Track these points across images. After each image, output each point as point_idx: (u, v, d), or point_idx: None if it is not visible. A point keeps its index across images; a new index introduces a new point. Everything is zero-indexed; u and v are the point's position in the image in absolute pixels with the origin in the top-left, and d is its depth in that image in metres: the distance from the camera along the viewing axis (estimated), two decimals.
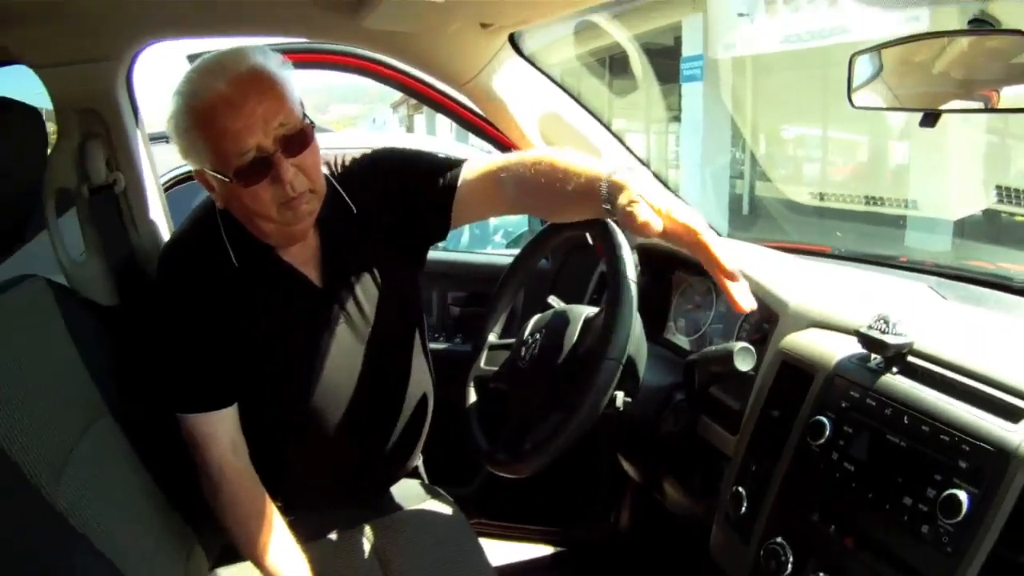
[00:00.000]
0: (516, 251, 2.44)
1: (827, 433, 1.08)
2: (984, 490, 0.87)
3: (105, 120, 1.53)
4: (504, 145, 1.97)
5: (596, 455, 2.07)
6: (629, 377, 1.25)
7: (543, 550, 2.38)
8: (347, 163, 1.48)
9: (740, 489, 1.23)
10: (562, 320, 1.39)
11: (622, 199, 1.15)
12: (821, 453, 1.08)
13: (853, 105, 1.21)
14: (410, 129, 18.30)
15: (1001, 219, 5.74)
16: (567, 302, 1.54)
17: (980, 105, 1.20)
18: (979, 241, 5.83)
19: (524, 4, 1.47)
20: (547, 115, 1.84)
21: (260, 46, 1.31)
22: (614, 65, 9.82)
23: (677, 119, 9.74)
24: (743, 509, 1.21)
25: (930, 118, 1.13)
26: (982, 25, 1.11)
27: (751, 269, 1.45)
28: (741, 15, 7.77)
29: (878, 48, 1.21)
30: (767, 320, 1.42)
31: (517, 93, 1.79)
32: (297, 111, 1.26)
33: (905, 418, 0.99)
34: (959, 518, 0.88)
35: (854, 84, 1.24)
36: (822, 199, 8.00)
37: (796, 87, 8.40)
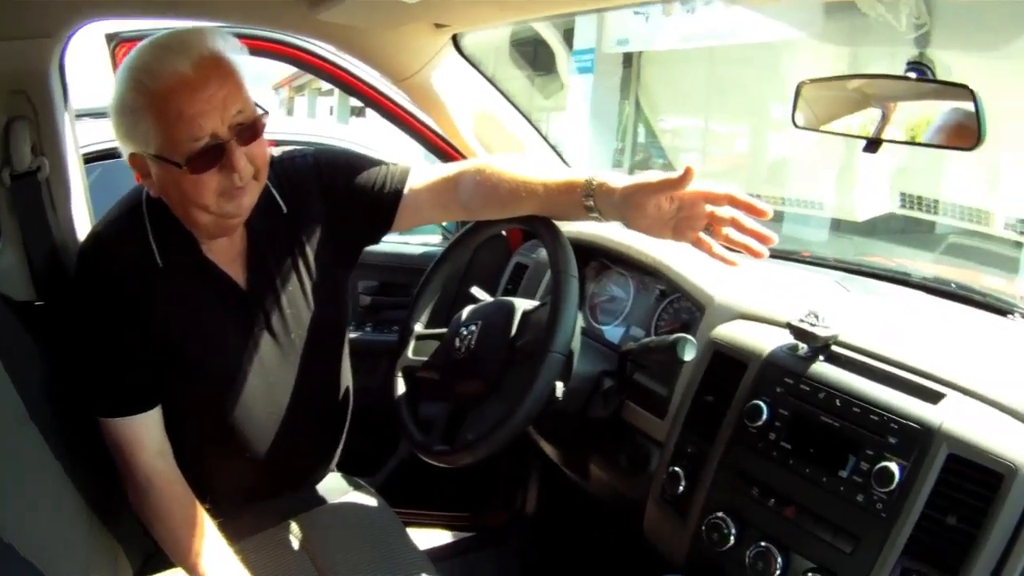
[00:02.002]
0: (423, 239, 2.44)
1: (764, 416, 1.16)
2: (913, 462, 0.99)
3: (33, 102, 1.41)
4: (431, 143, 1.99)
5: None
6: (566, 368, 1.28)
7: (452, 536, 2.36)
8: (282, 160, 1.42)
9: (677, 469, 1.28)
10: (500, 313, 1.41)
11: (622, 184, 1.21)
12: (759, 434, 1.16)
13: (796, 126, 1.29)
14: (290, 112, 17.71)
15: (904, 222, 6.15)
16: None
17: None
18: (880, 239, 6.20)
19: (482, 10, 1.49)
20: (481, 113, 1.86)
21: (218, 28, 1.25)
22: (499, 54, 9.85)
23: (558, 108, 9.83)
24: (681, 488, 1.27)
25: (873, 145, 1.21)
26: (921, 69, 1.18)
27: (674, 262, 1.52)
28: (637, 12, 7.93)
29: (829, 80, 1.29)
30: (688, 311, 1.50)
31: (454, 91, 1.80)
32: (252, 100, 1.21)
33: (837, 401, 1.10)
34: (892, 487, 0.99)
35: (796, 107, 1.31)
36: None
37: (688, 83, 8.63)
